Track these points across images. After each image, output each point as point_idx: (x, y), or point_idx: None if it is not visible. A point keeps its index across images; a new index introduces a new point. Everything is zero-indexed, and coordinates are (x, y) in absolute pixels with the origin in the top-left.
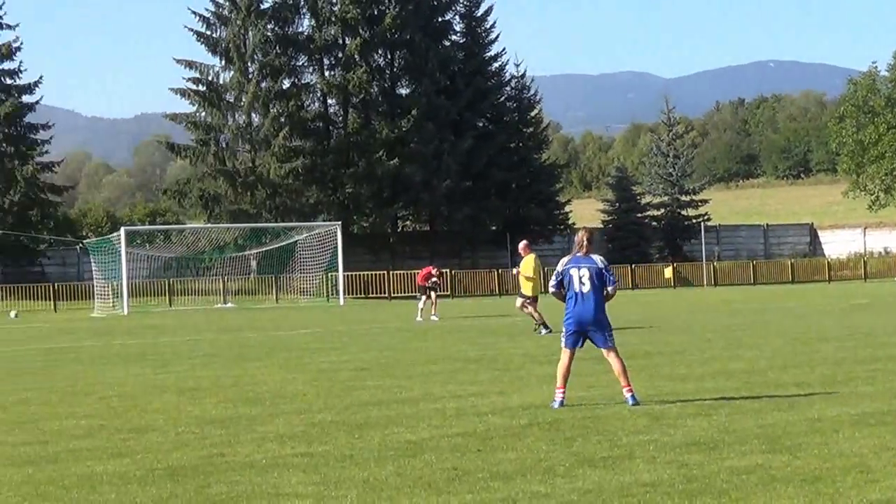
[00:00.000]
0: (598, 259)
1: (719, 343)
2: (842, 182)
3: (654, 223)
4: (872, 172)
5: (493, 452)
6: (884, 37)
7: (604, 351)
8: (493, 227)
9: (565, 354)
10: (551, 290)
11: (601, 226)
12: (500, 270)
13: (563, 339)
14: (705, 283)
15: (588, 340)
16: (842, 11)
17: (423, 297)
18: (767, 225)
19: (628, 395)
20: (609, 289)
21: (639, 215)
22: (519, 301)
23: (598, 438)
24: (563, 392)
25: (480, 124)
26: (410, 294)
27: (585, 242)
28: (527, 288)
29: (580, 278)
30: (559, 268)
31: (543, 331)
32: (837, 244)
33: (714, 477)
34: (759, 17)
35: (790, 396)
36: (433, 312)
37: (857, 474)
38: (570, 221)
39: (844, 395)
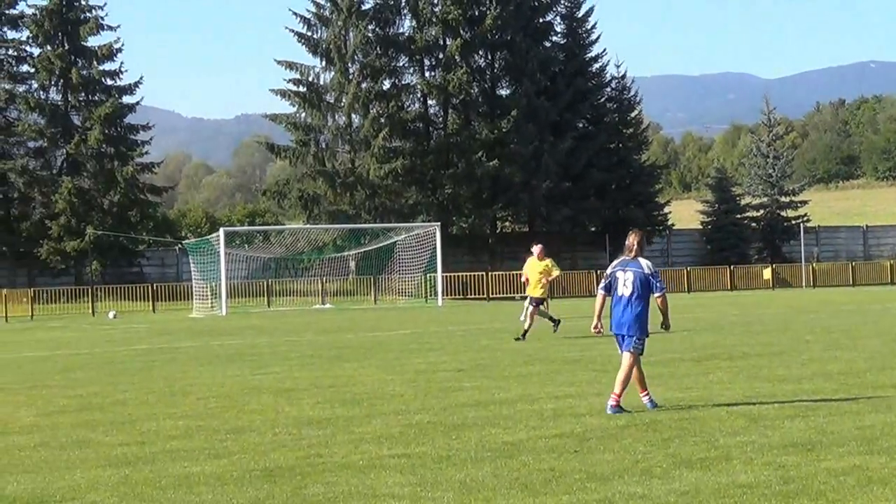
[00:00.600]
0: (644, 264)
1: (818, 344)
2: None
3: (753, 224)
4: None
5: (590, 454)
6: None
7: (623, 353)
8: (593, 228)
9: (622, 359)
10: (600, 293)
11: (700, 226)
12: (598, 271)
13: (617, 345)
14: (804, 284)
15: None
16: None
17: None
18: (867, 226)
19: (611, 403)
20: (657, 297)
21: (738, 216)
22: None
23: (696, 440)
24: (648, 393)
25: (580, 125)
26: (509, 295)
27: (635, 246)
28: (534, 289)
29: (624, 281)
30: (609, 270)
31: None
32: None
33: (811, 478)
34: (860, 17)
35: (888, 398)
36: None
37: None
38: (669, 222)
39: None
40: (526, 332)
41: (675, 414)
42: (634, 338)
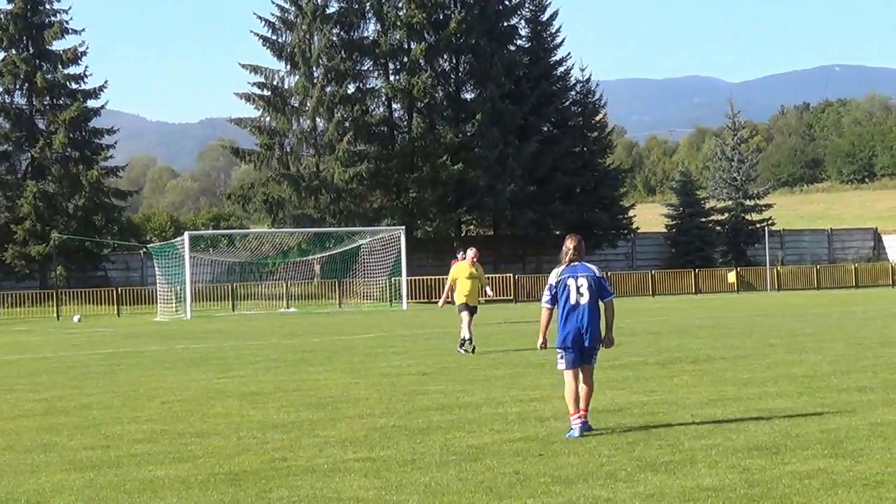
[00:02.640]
0: (593, 267)
1: (782, 348)
2: None
3: (718, 228)
4: None
5: (554, 457)
6: None
7: (584, 366)
8: (557, 232)
9: (570, 376)
10: (545, 305)
11: (665, 230)
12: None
13: (562, 361)
14: (769, 287)
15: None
16: None
17: None
18: (832, 229)
19: (578, 423)
20: (606, 302)
21: (702, 220)
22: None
23: (660, 443)
24: (580, 415)
25: (545, 129)
26: None
27: (573, 250)
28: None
29: (578, 289)
30: (552, 280)
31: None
32: None
33: (776, 482)
34: (825, 21)
35: (853, 401)
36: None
37: None
38: (633, 226)
39: None
40: (472, 339)
41: (639, 418)
42: (597, 349)
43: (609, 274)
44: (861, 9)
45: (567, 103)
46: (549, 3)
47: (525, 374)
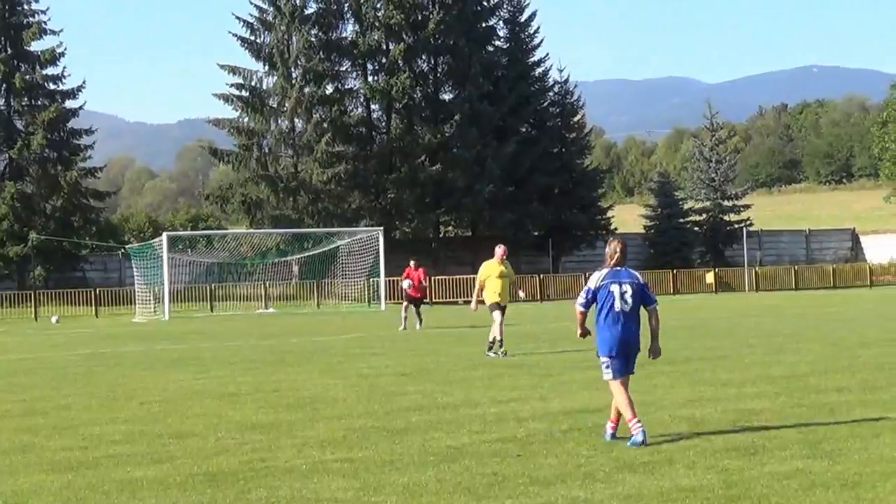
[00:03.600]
0: (638, 274)
1: (760, 349)
2: (884, 187)
3: (696, 228)
4: None
5: (533, 458)
6: None
7: (624, 377)
8: (536, 233)
9: (619, 384)
10: (580, 308)
11: (643, 231)
12: (541, 276)
13: (609, 371)
14: (747, 288)
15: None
16: (886, 16)
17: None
18: (809, 230)
19: (611, 431)
20: (651, 309)
21: (681, 220)
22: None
23: None
24: (639, 421)
25: (523, 129)
26: (452, 300)
27: (619, 253)
28: (503, 295)
29: (622, 295)
30: (592, 283)
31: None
32: (879, 249)
33: (754, 482)
34: (803, 22)
35: (831, 402)
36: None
37: None
38: (612, 227)
39: (885, 401)
40: (502, 341)
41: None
42: (636, 358)
43: (587, 275)
44: (839, 9)
45: (545, 104)
46: (528, 4)
47: (503, 375)
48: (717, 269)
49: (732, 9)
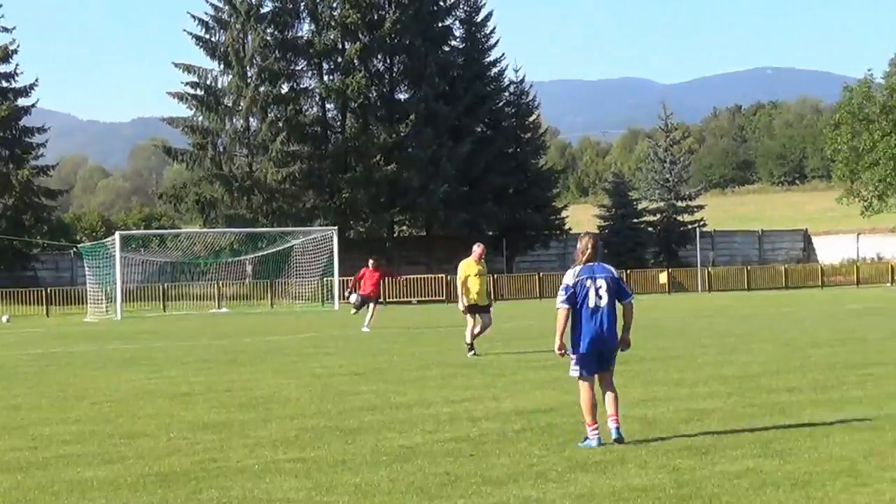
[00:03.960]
0: (611, 267)
1: (713, 349)
2: (836, 188)
3: (650, 229)
4: (866, 179)
5: (485, 457)
6: (880, 44)
7: (603, 374)
8: (490, 233)
9: (587, 385)
10: (563, 306)
11: (597, 231)
12: (494, 276)
13: (579, 369)
14: (700, 288)
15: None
16: (839, 19)
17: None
18: (762, 231)
19: (615, 426)
20: (626, 303)
21: (635, 221)
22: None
23: None
24: (597, 428)
25: (479, 129)
26: (406, 299)
27: (590, 249)
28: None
29: (597, 290)
30: (569, 280)
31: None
32: (831, 250)
33: (705, 482)
34: (757, 24)
35: (782, 402)
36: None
37: (847, 479)
38: (566, 227)
39: (835, 400)
40: (472, 344)
41: (570, 418)
42: (615, 354)
43: (541, 275)
44: (793, 11)
45: (501, 104)
46: (484, 4)
47: (457, 375)
48: (670, 270)
49: (688, 10)
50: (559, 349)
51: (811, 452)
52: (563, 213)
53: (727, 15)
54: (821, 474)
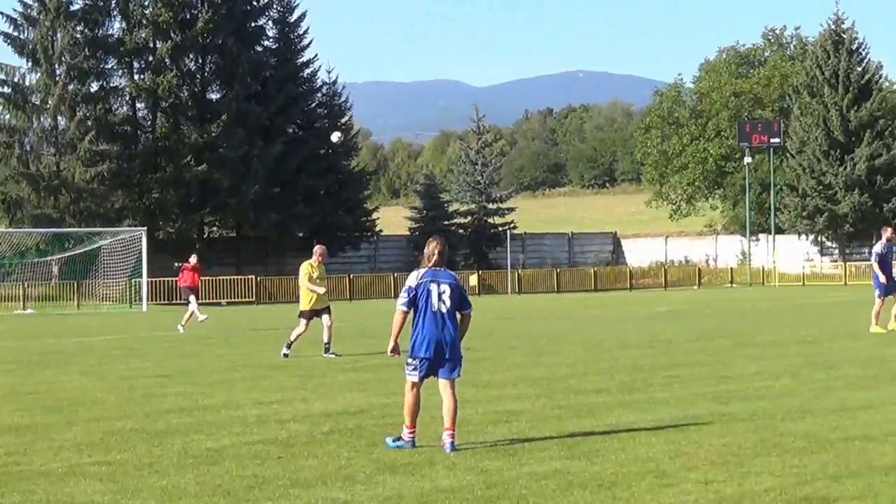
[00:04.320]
0: (455, 275)
1: (522, 350)
2: (646, 192)
3: (461, 231)
4: (675, 182)
5: (293, 460)
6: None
7: (445, 382)
8: (301, 234)
9: (416, 388)
10: (402, 307)
11: (408, 233)
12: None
13: (413, 372)
14: (510, 290)
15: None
16: (651, 24)
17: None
18: (572, 233)
19: (450, 440)
20: (465, 313)
21: (446, 223)
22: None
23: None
24: (413, 432)
25: (291, 130)
26: (215, 301)
27: (437, 254)
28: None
29: (440, 295)
30: (412, 282)
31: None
32: (640, 253)
33: (513, 483)
34: (570, 28)
35: (590, 403)
36: (184, 322)
37: (652, 479)
38: (377, 228)
39: (642, 402)
40: (329, 345)
41: (379, 420)
42: (460, 361)
43: (352, 277)
44: (605, 16)
45: (313, 105)
46: (297, 5)
47: (266, 377)
48: (480, 272)
49: (501, 13)
50: (392, 351)
51: (618, 453)
52: (375, 215)
53: (540, 19)
54: (627, 475)
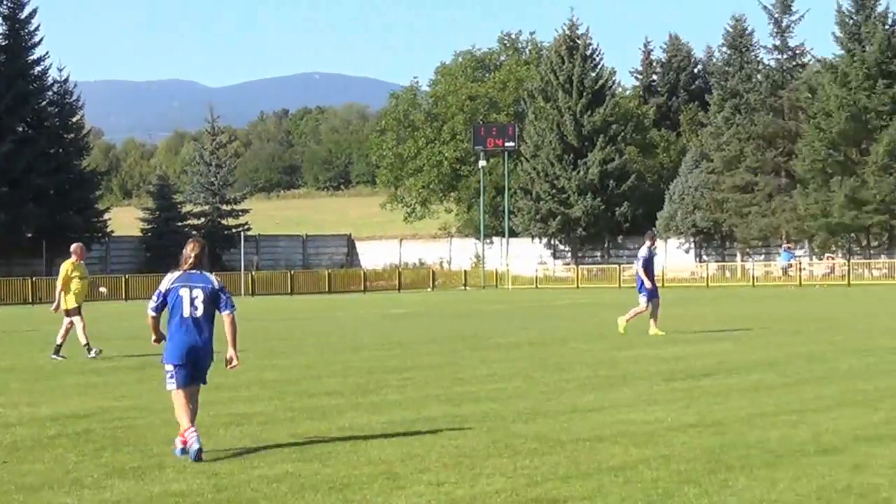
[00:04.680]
0: (213, 278)
1: (254, 353)
2: (381, 194)
3: (195, 232)
4: (410, 185)
5: (19, 464)
6: (426, 54)
7: (192, 388)
8: (30, 235)
9: (182, 395)
10: (151, 313)
11: (140, 234)
12: (34, 279)
13: (172, 381)
14: (243, 292)
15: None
16: (388, 27)
17: None
18: (307, 235)
19: (195, 435)
20: (226, 315)
21: (179, 224)
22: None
23: (129, 449)
24: (195, 430)
25: (20, 129)
26: None
27: (193, 257)
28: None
29: (192, 300)
30: (163, 286)
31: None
32: (374, 255)
33: (244, 485)
34: (306, 29)
35: (323, 406)
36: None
37: (385, 481)
38: (108, 229)
39: (375, 404)
40: (88, 344)
41: (108, 423)
42: (209, 368)
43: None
44: (342, 18)
45: (44, 103)
46: (28, 2)
47: None
48: (214, 273)
49: (236, 13)
50: (154, 341)
51: (350, 455)
52: (106, 216)
53: (276, 19)
54: (359, 477)
